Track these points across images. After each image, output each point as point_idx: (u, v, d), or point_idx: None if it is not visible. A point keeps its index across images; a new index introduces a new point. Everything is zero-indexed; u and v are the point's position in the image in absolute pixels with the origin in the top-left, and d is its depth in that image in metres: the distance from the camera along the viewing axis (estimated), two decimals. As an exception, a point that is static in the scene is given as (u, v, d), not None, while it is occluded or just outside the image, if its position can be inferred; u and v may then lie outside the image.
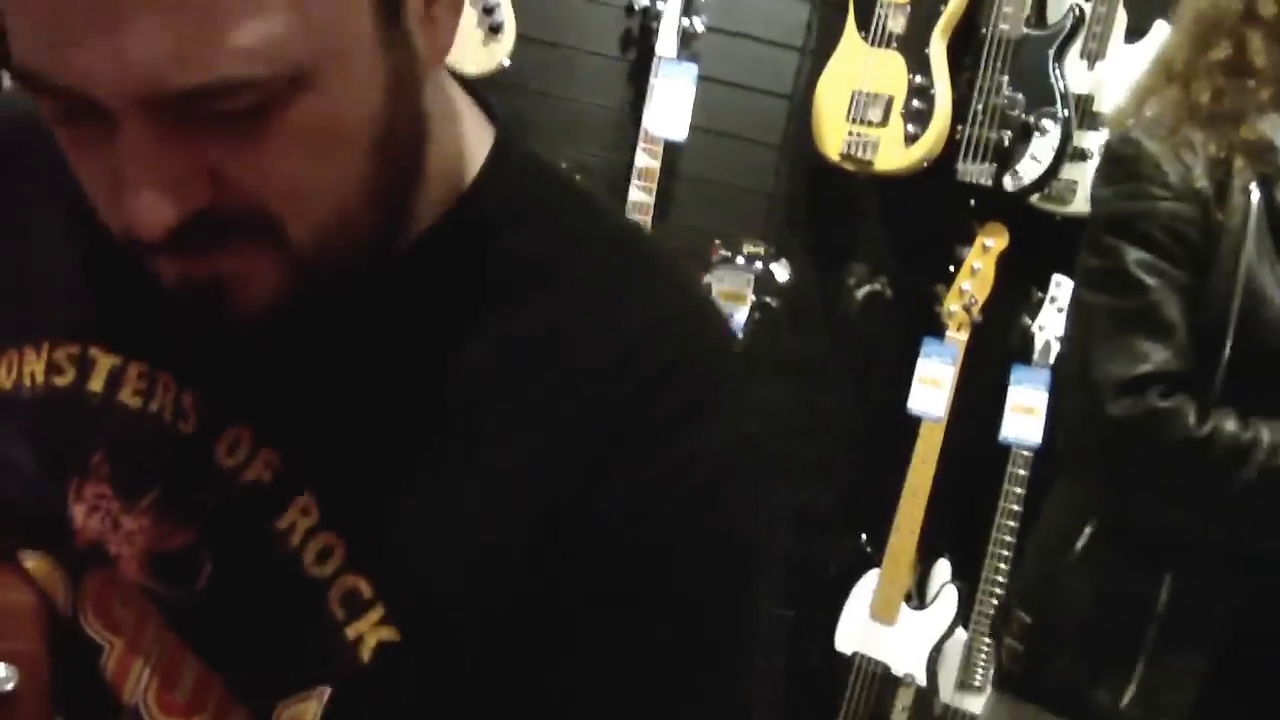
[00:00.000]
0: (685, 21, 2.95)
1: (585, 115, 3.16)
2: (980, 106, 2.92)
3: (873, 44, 2.96)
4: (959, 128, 2.93)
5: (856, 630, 3.16)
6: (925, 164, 2.92)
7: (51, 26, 0.59)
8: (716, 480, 0.74)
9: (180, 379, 0.79)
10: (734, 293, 2.96)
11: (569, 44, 3.13)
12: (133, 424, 0.79)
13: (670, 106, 2.98)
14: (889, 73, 2.94)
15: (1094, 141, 2.82)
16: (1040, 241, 2.88)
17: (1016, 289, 2.96)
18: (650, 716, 0.74)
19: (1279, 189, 1.33)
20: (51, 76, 0.61)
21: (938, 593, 3.05)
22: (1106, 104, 2.80)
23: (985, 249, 2.95)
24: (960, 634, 2.96)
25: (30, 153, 0.80)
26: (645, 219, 2.97)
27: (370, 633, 0.74)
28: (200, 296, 0.68)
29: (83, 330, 0.81)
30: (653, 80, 2.98)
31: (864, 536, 3.20)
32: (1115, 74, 2.81)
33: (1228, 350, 1.31)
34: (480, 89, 0.83)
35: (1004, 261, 2.94)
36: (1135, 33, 2.82)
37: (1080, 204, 2.85)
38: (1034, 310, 2.87)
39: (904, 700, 3.06)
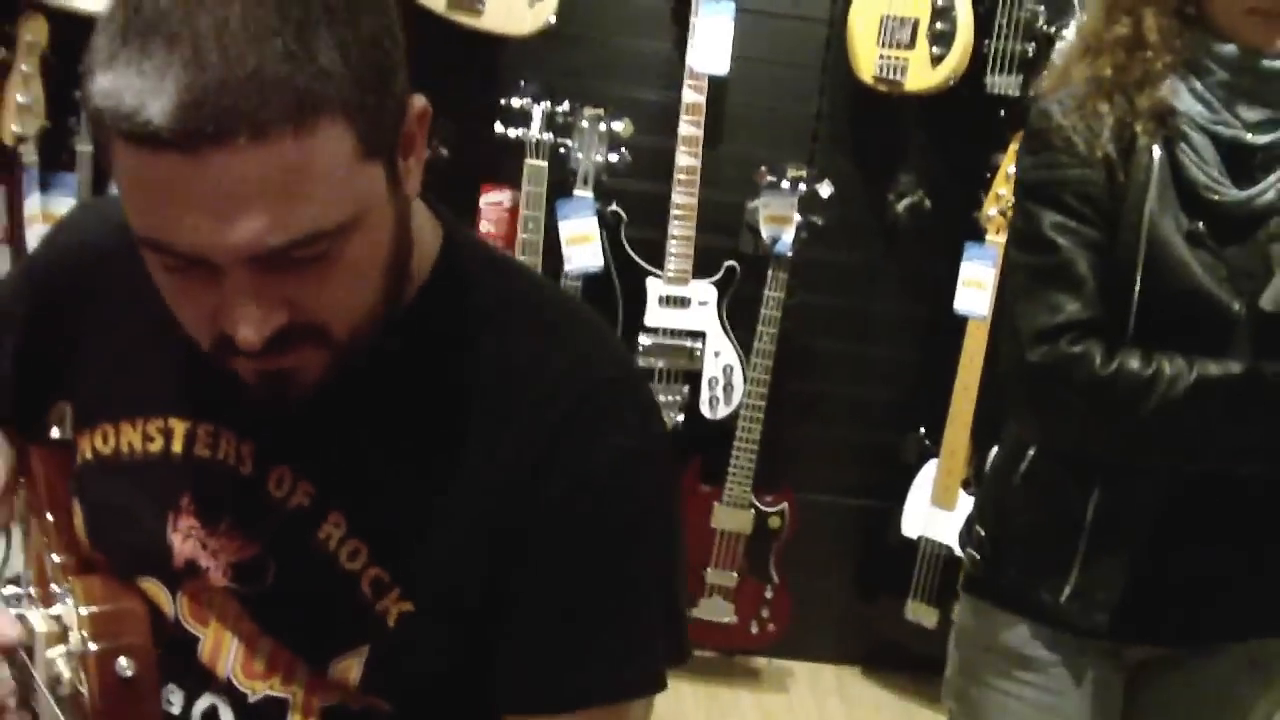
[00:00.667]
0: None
1: (634, 58, 3.35)
2: (1004, 20, 3.07)
3: (899, -32, 3.12)
4: (985, 42, 3.09)
5: (920, 516, 3.40)
6: (950, 82, 3.09)
7: (179, 215, 0.82)
8: (620, 472, 1.01)
9: (239, 434, 1.06)
10: (780, 215, 3.16)
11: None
12: (207, 471, 1.07)
13: (712, 43, 3.17)
14: (914, -4, 3.10)
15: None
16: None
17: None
18: (587, 627, 1.01)
19: (1178, 148, 1.51)
20: (173, 246, 0.85)
21: (991, 479, 3.26)
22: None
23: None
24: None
25: (120, 261, 1.04)
26: (695, 151, 3.19)
27: (393, 606, 1.01)
28: (270, 382, 0.94)
29: (164, 407, 1.09)
30: (693, 19, 3.17)
31: (922, 430, 3.43)
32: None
33: (1136, 294, 1.50)
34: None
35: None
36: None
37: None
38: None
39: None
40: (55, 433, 1.25)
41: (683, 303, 3.32)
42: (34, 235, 2.72)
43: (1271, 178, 1.49)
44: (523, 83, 3.12)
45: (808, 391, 3.59)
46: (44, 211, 2.74)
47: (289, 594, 1.05)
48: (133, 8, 0.80)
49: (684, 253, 3.28)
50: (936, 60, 3.07)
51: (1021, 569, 1.65)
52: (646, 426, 1.04)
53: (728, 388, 3.37)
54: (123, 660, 1.07)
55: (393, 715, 1.04)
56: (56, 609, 1.12)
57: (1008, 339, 1.58)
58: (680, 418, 3.36)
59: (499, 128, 3.10)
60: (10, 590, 1.20)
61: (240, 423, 1.05)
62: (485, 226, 3.15)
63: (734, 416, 3.35)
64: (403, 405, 1.03)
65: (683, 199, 3.23)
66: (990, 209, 3.16)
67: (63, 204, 2.77)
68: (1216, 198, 1.49)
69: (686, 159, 3.20)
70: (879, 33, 3.15)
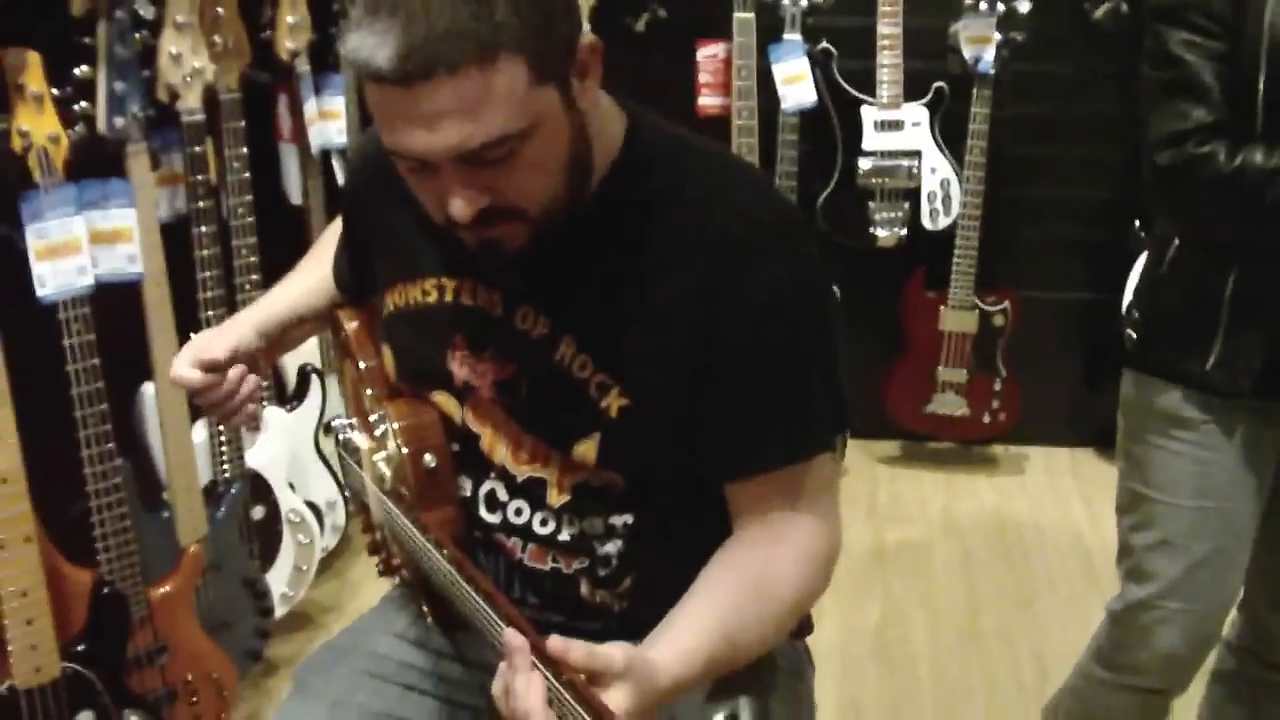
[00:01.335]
0: None
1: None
2: None
3: None
4: None
5: (1139, 305, 3.59)
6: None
7: (405, 130, 1.12)
8: (780, 291, 1.27)
9: (488, 286, 1.36)
10: (980, 36, 3.36)
11: None
12: (470, 315, 1.38)
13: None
14: None
15: None
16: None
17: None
18: (760, 412, 1.31)
19: None
20: (404, 152, 1.15)
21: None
22: None
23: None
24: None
25: (390, 167, 1.27)
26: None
27: (614, 402, 1.30)
28: (487, 247, 1.23)
29: (436, 269, 1.40)
30: None
31: (1137, 223, 3.61)
32: None
33: (1261, 96, 1.71)
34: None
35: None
36: None
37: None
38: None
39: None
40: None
41: (897, 126, 3.59)
42: (315, 134, 3.07)
43: None
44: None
45: (1023, 197, 3.81)
46: (320, 111, 3.09)
47: (538, 400, 1.36)
48: None
49: (894, 79, 3.54)
50: None
51: (1172, 343, 1.89)
52: (798, 257, 1.32)
53: (946, 200, 3.64)
54: (428, 456, 1.39)
55: (625, 487, 1.35)
56: (377, 428, 1.46)
57: (1145, 147, 1.82)
58: (904, 232, 3.66)
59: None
60: (339, 422, 1.61)
61: (490, 277, 1.37)
62: (703, 77, 3.47)
63: (953, 226, 3.63)
64: (609, 253, 1.31)
65: (889, 29, 3.47)
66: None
67: (335, 102, 3.13)
68: None
69: (889, -10, 3.43)
70: None
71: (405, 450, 1.39)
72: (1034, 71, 3.62)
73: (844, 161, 3.62)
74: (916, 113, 3.59)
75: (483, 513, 1.41)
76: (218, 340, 1.52)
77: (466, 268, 1.37)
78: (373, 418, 1.49)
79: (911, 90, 3.58)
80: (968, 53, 3.42)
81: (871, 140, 3.60)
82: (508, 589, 1.42)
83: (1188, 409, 1.89)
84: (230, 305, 2.58)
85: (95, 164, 2.20)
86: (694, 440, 1.31)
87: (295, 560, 2.89)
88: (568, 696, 1.05)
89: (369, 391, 1.53)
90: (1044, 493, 3.82)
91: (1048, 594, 3.26)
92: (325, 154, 3.15)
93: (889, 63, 3.51)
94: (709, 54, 3.49)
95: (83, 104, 2.14)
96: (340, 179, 3.11)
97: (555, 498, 1.37)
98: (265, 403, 2.82)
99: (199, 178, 2.49)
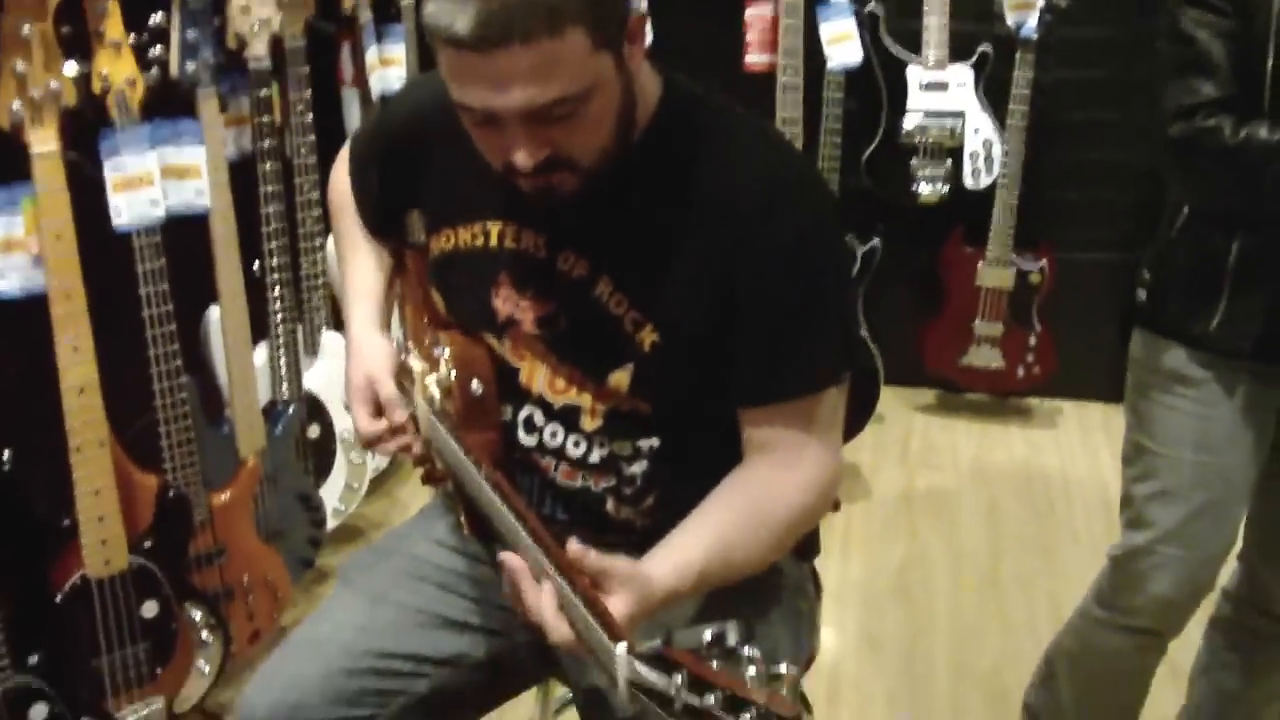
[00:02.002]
0: None
1: None
2: None
3: None
4: None
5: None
6: None
7: (478, 89, 1.24)
8: (800, 240, 1.39)
9: (533, 230, 1.47)
10: (1023, 2, 3.43)
11: None
12: (515, 257, 1.49)
13: None
14: None
15: None
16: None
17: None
18: (779, 345, 1.42)
19: None
20: (475, 108, 1.27)
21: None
22: None
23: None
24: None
25: (443, 117, 1.40)
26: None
27: (646, 336, 1.41)
28: (541, 193, 1.34)
29: (482, 214, 1.50)
30: None
31: (1175, 188, 3.66)
32: None
33: (1269, 73, 1.79)
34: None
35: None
36: None
37: None
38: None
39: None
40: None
41: (942, 86, 3.67)
42: (375, 80, 3.20)
43: None
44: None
45: (1064, 160, 3.89)
46: (381, 58, 3.21)
47: (576, 334, 1.47)
48: None
49: (940, 40, 3.61)
50: None
51: (1179, 305, 1.98)
52: (815, 212, 1.43)
53: (988, 160, 3.72)
54: (474, 382, 1.51)
55: (652, 413, 1.47)
56: (432, 352, 1.55)
57: (1158, 119, 1.91)
58: (945, 189, 3.75)
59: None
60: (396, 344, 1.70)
61: (534, 222, 1.47)
62: (751, 36, 3.56)
63: (994, 186, 3.72)
64: (644, 202, 1.42)
65: (936, -9, 3.55)
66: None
67: (395, 50, 3.24)
68: None
69: (939, -47, 3.50)
70: None
71: (454, 376, 1.50)
72: (1081, 37, 3.68)
73: (889, 120, 3.71)
74: (961, 74, 3.66)
75: (521, 436, 1.53)
76: (376, 371, 1.58)
77: (513, 213, 1.48)
78: (428, 342, 1.60)
79: (957, 52, 3.66)
80: (1011, 18, 3.49)
81: (916, 100, 3.68)
82: (539, 505, 1.55)
83: (1191, 367, 1.97)
84: (292, 237, 2.75)
85: (168, 105, 2.34)
86: (718, 372, 1.43)
87: (348, 478, 3.05)
88: (576, 600, 1.18)
89: (425, 320, 1.64)
90: (1074, 446, 3.92)
91: (1069, 544, 3.37)
92: (384, 98, 3.27)
93: (935, 24, 3.59)
94: (757, 13, 3.57)
95: (158, 49, 2.30)
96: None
97: (589, 423, 1.49)
98: (324, 328, 2.97)
99: (264, 119, 2.62)
